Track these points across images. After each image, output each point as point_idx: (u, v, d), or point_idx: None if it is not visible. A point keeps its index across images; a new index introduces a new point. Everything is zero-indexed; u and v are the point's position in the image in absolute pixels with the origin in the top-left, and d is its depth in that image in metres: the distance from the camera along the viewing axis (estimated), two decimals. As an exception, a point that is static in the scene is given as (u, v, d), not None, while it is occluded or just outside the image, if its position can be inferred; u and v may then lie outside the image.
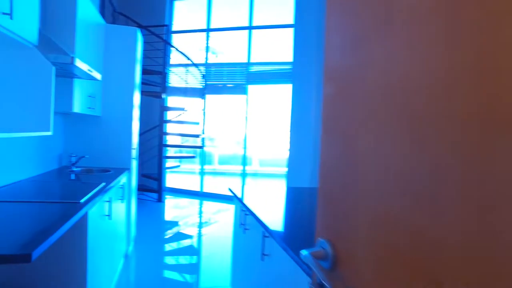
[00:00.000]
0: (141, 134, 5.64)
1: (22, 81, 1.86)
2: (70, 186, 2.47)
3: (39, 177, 2.68)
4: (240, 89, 6.62)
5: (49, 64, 1.90)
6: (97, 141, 3.52)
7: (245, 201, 2.21)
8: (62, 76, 2.57)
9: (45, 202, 1.89)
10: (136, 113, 3.85)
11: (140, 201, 5.88)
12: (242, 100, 6.65)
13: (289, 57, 5.98)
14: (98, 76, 2.56)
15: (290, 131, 5.86)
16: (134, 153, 3.74)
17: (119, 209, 3.02)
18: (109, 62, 3.54)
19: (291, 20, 5.99)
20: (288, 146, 5.93)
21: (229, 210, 5.92)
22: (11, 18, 1.62)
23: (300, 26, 5.78)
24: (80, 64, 2.06)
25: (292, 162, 5.84)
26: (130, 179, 3.60)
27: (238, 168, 9.30)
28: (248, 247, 2.17)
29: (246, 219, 2.18)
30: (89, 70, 2.28)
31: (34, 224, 1.53)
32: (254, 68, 6.48)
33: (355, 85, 0.72)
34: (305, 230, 1.70)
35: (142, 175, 6.18)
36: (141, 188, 6.04)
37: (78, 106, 2.75)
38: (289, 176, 5.89)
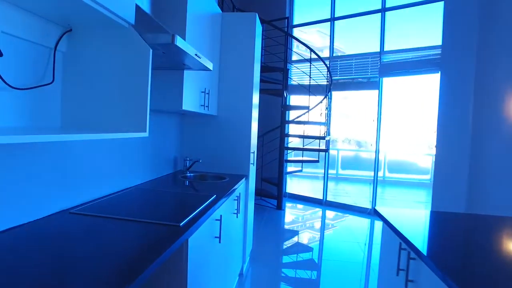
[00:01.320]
0: (261, 135, 5.26)
1: (113, 69, 1.49)
2: (176, 197, 2.08)
3: (149, 184, 2.38)
4: (372, 84, 5.70)
5: (146, 47, 1.49)
6: (213, 144, 3.16)
7: (407, 234, 1.45)
8: (170, 68, 2.21)
9: (139, 222, 1.47)
10: (255, 113, 3.39)
11: (259, 207, 5.50)
12: (373, 96, 5.71)
13: (436, 40, 4.82)
14: (209, 65, 2.12)
15: (437, 132, 4.71)
16: (252, 157, 3.27)
17: (233, 225, 2.55)
18: (225, 56, 3.15)
19: (439, -6, 4.84)
20: (434, 151, 4.79)
21: (356, 223, 5.09)
22: (96, -15, 1.23)
23: None
24: (183, 45, 1.61)
25: (441, 173, 4.68)
26: (248, 187, 3.13)
27: (364, 174, 8.29)
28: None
29: (410, 264, 1.43)
30: (196, 55, 1.83)
31: (108, 262, 1.08)
32: (390, 57, 5.47)
33: None
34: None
35: (262, 179, 5.81)
36: (261, 193, 5.65)
37: (189, 103, 2.37)
38: (435, 191, 4.73)
